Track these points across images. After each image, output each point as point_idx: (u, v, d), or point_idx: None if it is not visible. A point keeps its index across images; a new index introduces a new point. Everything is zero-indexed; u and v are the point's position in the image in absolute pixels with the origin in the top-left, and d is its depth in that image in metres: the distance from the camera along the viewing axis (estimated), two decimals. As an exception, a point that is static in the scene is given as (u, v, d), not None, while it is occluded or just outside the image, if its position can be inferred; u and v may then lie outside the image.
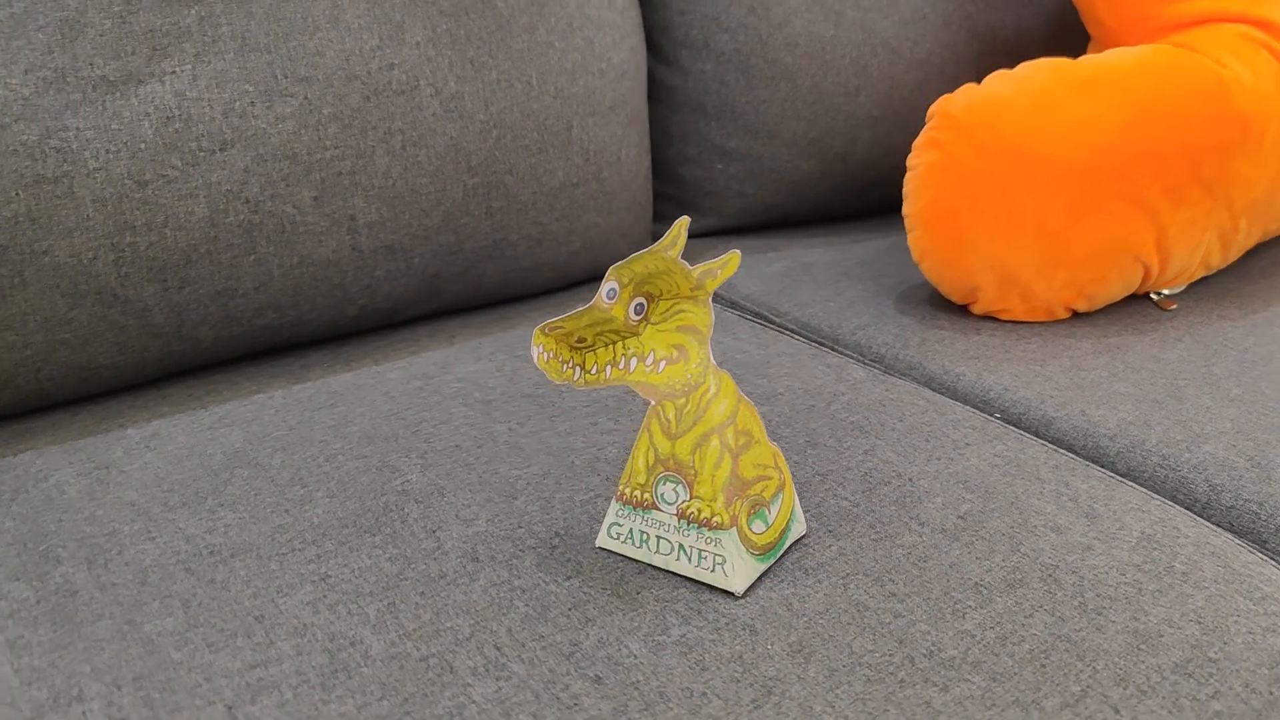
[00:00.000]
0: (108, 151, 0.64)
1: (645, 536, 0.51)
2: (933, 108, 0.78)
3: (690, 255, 0.98)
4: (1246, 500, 0.58)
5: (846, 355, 0.77)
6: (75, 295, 0.66)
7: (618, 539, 0.52)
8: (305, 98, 0.70)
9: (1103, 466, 0.63)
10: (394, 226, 0.75)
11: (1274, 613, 0.48)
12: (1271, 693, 0.45)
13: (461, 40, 0.76)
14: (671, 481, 0.50)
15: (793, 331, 0.84)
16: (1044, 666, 0.45)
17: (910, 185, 0.78)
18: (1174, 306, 0.80)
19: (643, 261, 0.48)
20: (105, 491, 0.60)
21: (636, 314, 0.48)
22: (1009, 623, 0.47)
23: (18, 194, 0.62)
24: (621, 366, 0.48)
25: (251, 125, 0.69)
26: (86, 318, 0.67)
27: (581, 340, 0.48)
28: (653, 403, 0.51)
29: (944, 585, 0.50)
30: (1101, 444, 0.64)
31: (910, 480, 0.58)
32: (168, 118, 0.66)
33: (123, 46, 0.65)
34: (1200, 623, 0.47)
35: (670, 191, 0.98)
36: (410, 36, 0.74)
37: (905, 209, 0.79)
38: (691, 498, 0.50)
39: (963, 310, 0.81)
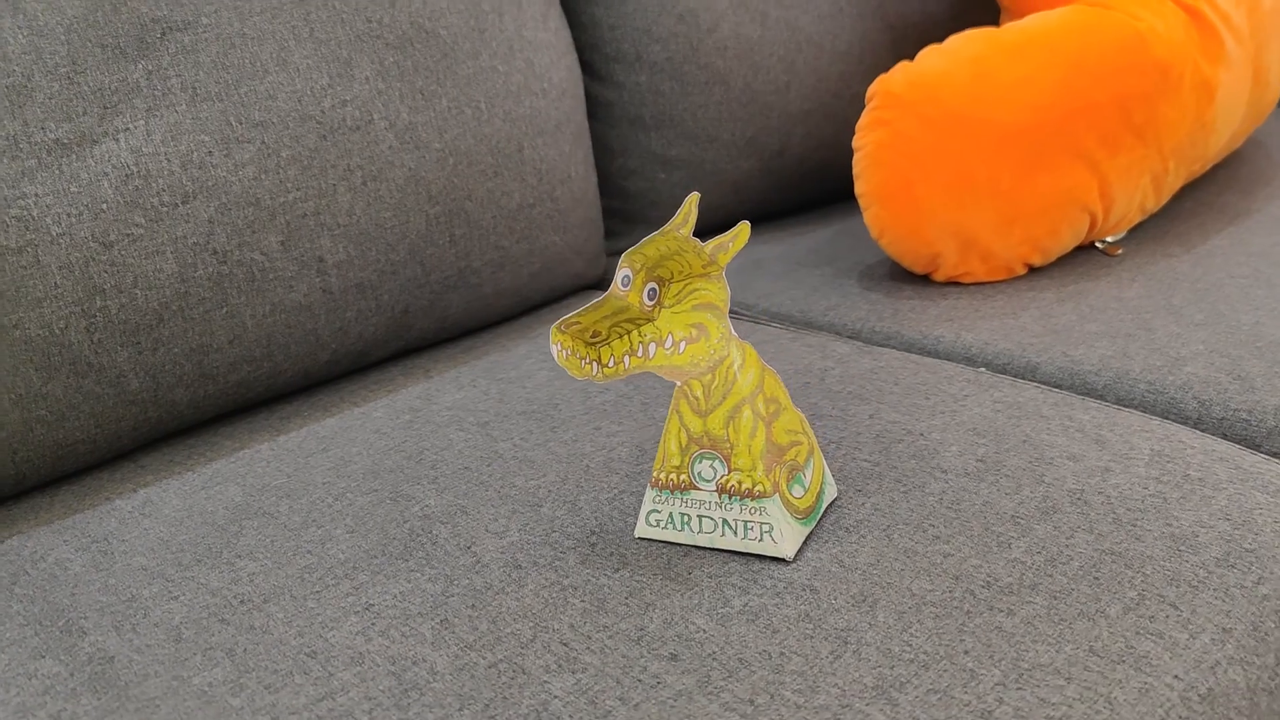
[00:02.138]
0: (69, 216, 0.63)
1: (686, 518, 0.52)
2: (872, 88, 0.81)
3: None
4: (1235, 410, 0.60)
5: (825, 335, 0.79)
6: (49, 368, 0.63)
7: (657, 525, 0.53)
8: (262, 142, 0.69)
9: (1096, 399, 0.65)
10: (362, 264, 0.75)
11: (1294, 502, 0.51)
12: (1311, 572, 0.47)
13: (409, 71, 0.76)
14: (708, 458, 0.51)
15: (765, 321, 0.86)
16: (1097, 579, 0.46)
17: (860, 165, 0.81)
18: (1120, 252, 0.84)
19: (654, 244, 0.49)
20: (111, 561, 0.58)
21: (650, 299, 0.49)
22: (1053, 546, 0.48)
23: (-20, 268, 0.60)
24: (640, 354, 0.49)
25: (211, 175, 0.67)
26: (62, 391, 0.64)
27: (596, 335, 0.48)
28: (678, 384, 0.51)
29: (982, 522, 0.51)
30: (1089, 379, 0.66)
31: (922, 435, 0.60)
32: (126, 175, 0.65)
33: (73, 108, 0.63)
34: (1229, 519, 0.49)
35: (616, 206, 0.99)
36: (359, 72, 0.73)
37: (858, 189, 0.81)
38: (730, 471, 0.50)
39: (925, 279, 0.83)
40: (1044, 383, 0.68)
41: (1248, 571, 0.46)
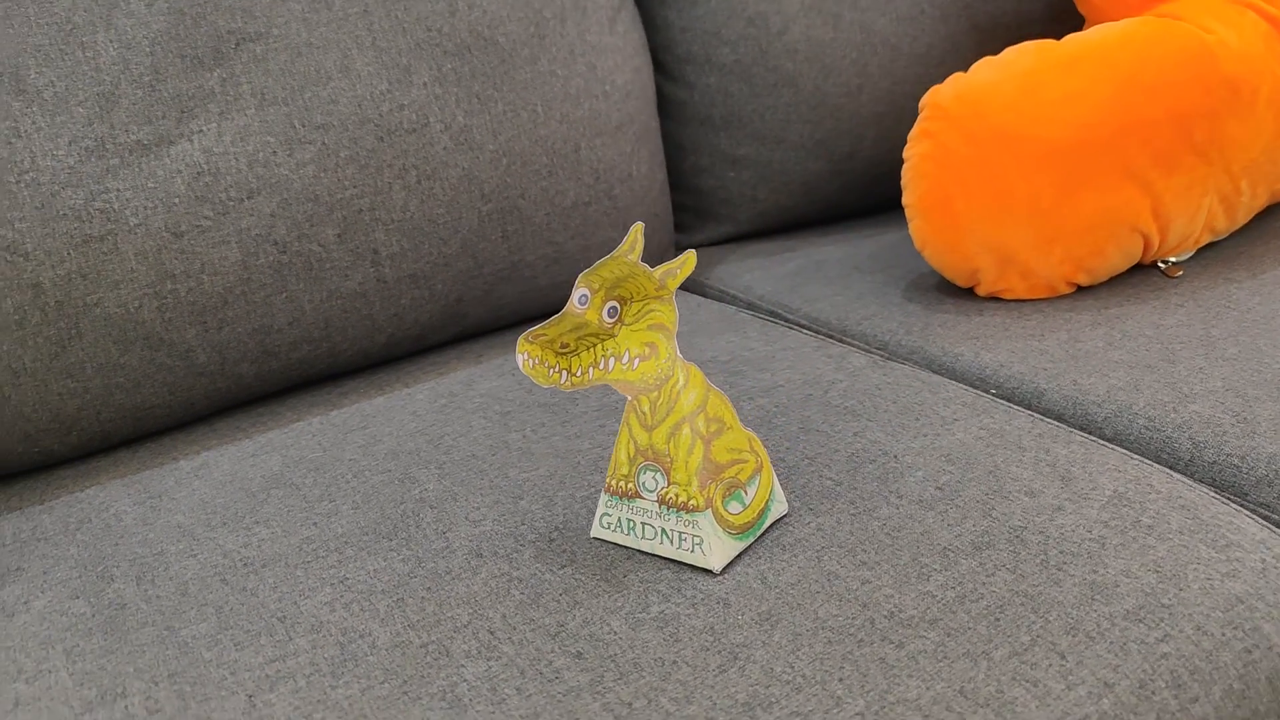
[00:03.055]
0: (146, 208, 0.71)
1: (631, 524, 0.55)
2: (924, 99, 0.81)
3: (709, 262, 1.01)
4: (1229, 455, 0.58)
5: (851, 345, 0.80)
6: (125, 342, 0.72)
7: (608, 528, 0.56)
8: (323, 143, 0.76)
9: (1089, 433, 0.64)
10: (415, 256, 0.81)
11: (1236, 559, 0.49)
12: (1223, 634, 0.46)
13: (466, 77, 0.81)
14: (651, 470, 0.54)
15: (802, 326, 0.87)
16: (998, 620, 0.47)
17: (906, 176, 0.81)
18: (1180, 274, 0.81)
19: (608, 267, 0.52)
20: (157, 517, 0.66)
21: (610, 317, 0.52)
22: (970, 582, 0.49)
23: (69, 253, 0.69)
24: (602, 367, 0.52)
25: (275, 173, 0.74)
26: (137, 362, 0.73)
27: (565, 346, 0.52)
28: (629, 398, 0.54)
29: (913, 552, 0.52)
30: (1090, 411, 0.65)
31: (895, 457, 0.61)
32: (198, 173, 0.72)
33: (154, 112, 0.71)
34: (1158, 572, 0.49)
35: (688, 202, 1.01)
36: (417, 78, 0.79)
37: (904, 200, 0.81)
38: (669, 484, 0.53)
39: (969, 293, 0.83)
40: (1045, 411, 0.67)
41: (1154, 627, 0.46)
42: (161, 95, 0.72)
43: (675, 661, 0.47)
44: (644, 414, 0.54)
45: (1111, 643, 0.45)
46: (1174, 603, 0.47)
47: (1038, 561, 0.50)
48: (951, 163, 0.77)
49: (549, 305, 0.91)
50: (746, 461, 0.55)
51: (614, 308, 0.52)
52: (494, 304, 0.87)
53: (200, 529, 0.63)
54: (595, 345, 0.52)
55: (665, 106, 0.98)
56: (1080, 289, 0.80)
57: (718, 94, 0.95)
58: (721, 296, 0.95)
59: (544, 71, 0.84)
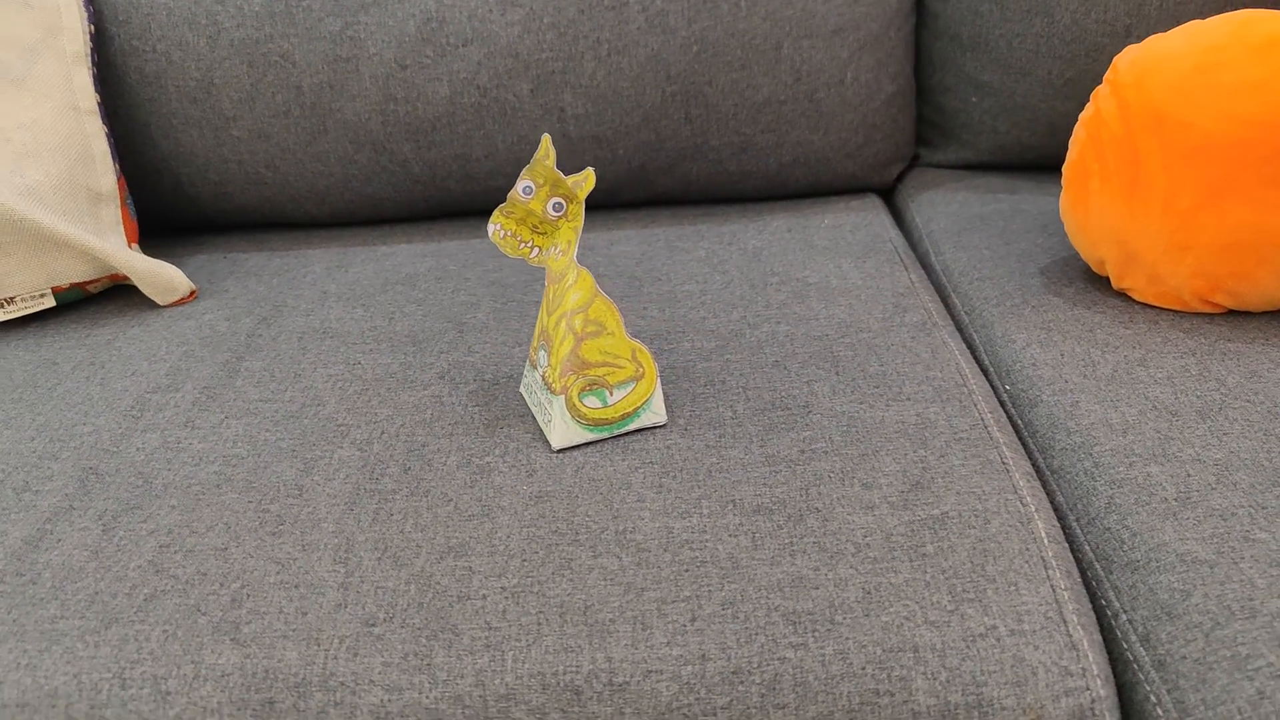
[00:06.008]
0: (382, 41, 0.88)
1: (530, 389, 0.64)
2: (1117, 56, 0.71)
3: (928, 183, 0.97)
4: (1128, 527, 0.52)
5: (944, 302, 0.76)
6: (358, 144, 0.92)
7: (524, 389, 0.65)
8: (530, 8, 0.87)
9: (1042, 455, 0.59)
10: (598, 120, 0.90)
11: (961, 615, 0.47)
12: (862, 668, 0.45)
13: (671, -37, 0.86)
14: (544, 350, 0.62)
15: (928, 271, 0.83)
16: (688, 573, 0.50)
17: (1071, 139, 0.73)
18: (1369, 328, 0.65)
19: (543, 168, 0.59)
20: (323, 282, 0.86)
21: (555, 211, 0.60)
22: (710, 535, 0.52)
23: (323, 68, 0.89)
24: (550, 251, 0.61)
25: (487, 28, 0.88)
26: (366, 161, 0.93)
27: (535, 227, 0.61)
28: (548, 283, 0.62)
29: (700, 494, 0.55)
30: (1058, 438, 0.59)
31: (807, 415, 0.62)
32: (427, 19, 0.88)
33: (403, -37, 0.87)
34: (868, 595, 0.48)
35: (934, 118, 0.98)
36: (623, -41, 0.86)
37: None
38: (549, 364, 0.61)
39: (1104, 284, 0.74)
40: (1027, 422, 0.62)
41: (799, 634, 0.46)
42: (414, -51, 0.87)
43: (451, 500, 0.56)
44: (549, 301, 0.61)
45: (748, 627, 0.47)
46: (844, 624, 0.47)
47: (782, 543, 0.51)
48: (1101, 136, 0.69)
49: (740, 191, 0.96)
50: (621, 368, 0.60)
51: (559, 204, 0.60)
52: (680, 177, 0.94)
53: (332, 299, 0.82)
54: (553, 232, 0.61)
55: (924, 17, 0.94)
56: (1233, 312, 0.69)
57: (968, 12, 0.90)
58: (910, 223, 0.93)
59: (760, -34, 0.86)
